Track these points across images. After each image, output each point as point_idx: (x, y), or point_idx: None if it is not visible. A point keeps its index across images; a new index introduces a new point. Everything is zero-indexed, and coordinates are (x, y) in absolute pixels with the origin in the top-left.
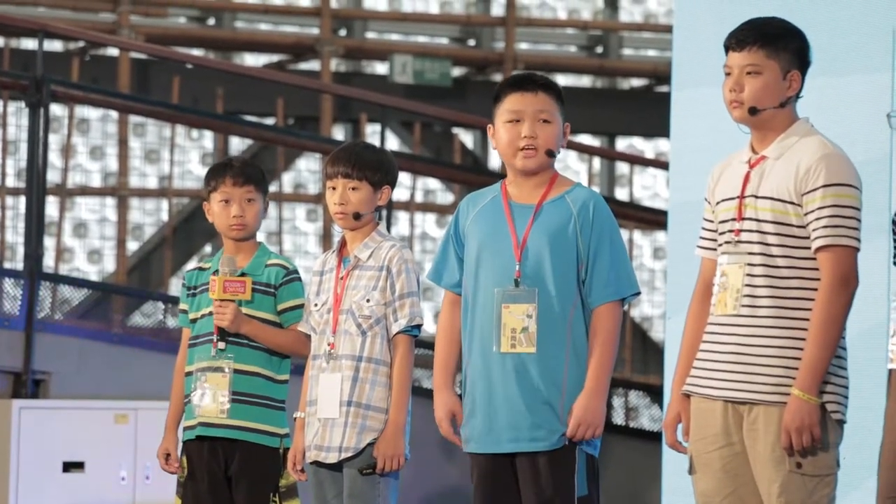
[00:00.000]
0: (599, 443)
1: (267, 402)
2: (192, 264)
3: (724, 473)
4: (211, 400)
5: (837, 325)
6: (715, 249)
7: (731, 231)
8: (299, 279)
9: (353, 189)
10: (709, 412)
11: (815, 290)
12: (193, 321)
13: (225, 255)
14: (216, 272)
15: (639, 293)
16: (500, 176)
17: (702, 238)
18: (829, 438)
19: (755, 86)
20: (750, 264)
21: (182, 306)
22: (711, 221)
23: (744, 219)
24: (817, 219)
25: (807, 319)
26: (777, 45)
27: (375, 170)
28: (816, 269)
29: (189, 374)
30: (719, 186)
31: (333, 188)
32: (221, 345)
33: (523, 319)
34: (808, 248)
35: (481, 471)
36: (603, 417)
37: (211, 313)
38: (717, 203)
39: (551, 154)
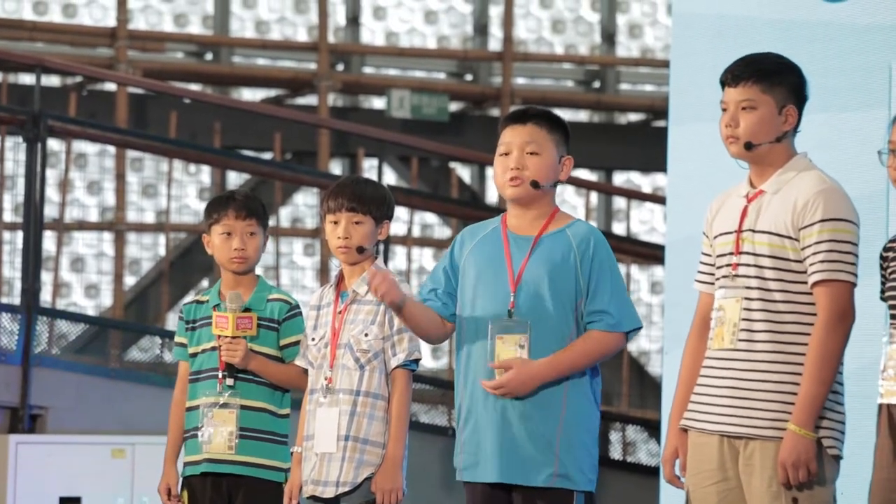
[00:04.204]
0: (595, 476)
1: (272, 437)
2: (189, 298)
3: None
4: (219, 436)
5: (834, 361)
6: (713, 284)
7: (728, 265)
8: (301, 314)
9: (357, 223)
10: (705, 447)
11: (812, 325)
12: (193, 355)
13: (231, 291)
14: (216, 306)
15: (640, 327)
16: (498, 210)
17: (700, 272)
18: (826, 474)
19: (750, 121)
20: (747, 298)
21: (180, 339)
22: (709, 255)
23: (741, 253)
24: (814, 253)
25: (803, 354)
26: (772, 80)
27: (379, 204)
28: (813, 304)
29: (191, 409)
30: (717, 220)
31: (335, 222)
32: (230, 381)
33: (515, 350)
34: (805, 282)
35: (475, 502)
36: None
37: (213, 348)
38: (715, 237)
39: (536, 185)
